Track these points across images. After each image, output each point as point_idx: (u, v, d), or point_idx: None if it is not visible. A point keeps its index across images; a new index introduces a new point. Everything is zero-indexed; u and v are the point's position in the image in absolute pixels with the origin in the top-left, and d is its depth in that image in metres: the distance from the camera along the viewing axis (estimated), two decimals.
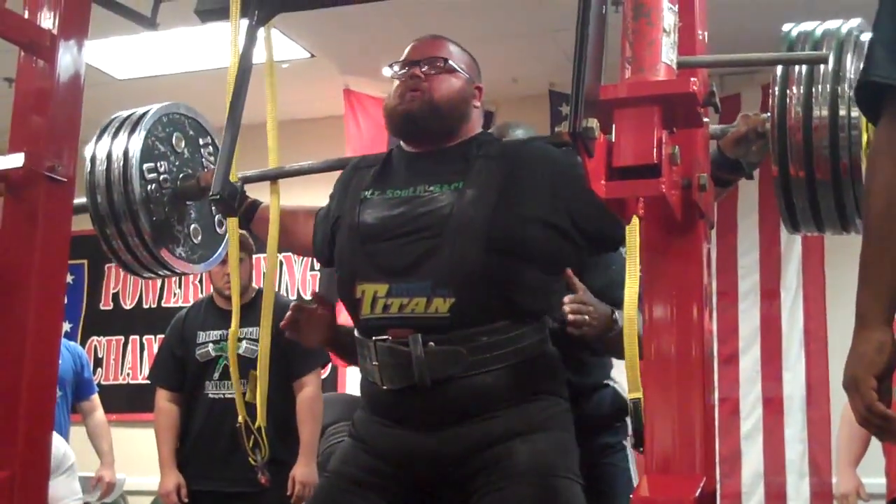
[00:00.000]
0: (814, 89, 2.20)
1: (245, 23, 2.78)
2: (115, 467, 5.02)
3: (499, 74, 5.99)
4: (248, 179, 2.85)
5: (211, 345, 4.08)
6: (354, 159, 2.68)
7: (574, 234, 2.33)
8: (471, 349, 2.25)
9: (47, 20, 2.43)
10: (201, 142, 3.08)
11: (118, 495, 5.44)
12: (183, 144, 3.01)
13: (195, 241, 3.01)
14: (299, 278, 6.30)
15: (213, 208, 3.00)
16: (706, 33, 2.04)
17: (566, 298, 2.34)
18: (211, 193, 2.63)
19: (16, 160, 2.30)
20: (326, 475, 2.47)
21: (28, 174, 2.30)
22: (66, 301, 2.52)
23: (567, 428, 2.35)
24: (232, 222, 2.78)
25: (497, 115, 6.28)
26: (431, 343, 2.24)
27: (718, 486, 5.89)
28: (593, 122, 1.64)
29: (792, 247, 5.55)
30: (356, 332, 2.41)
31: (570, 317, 2.32)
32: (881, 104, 1.65)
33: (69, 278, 6.22)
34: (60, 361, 2.86)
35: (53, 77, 2.40)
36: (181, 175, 2.96)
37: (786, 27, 2.33)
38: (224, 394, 4.02)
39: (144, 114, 2.91)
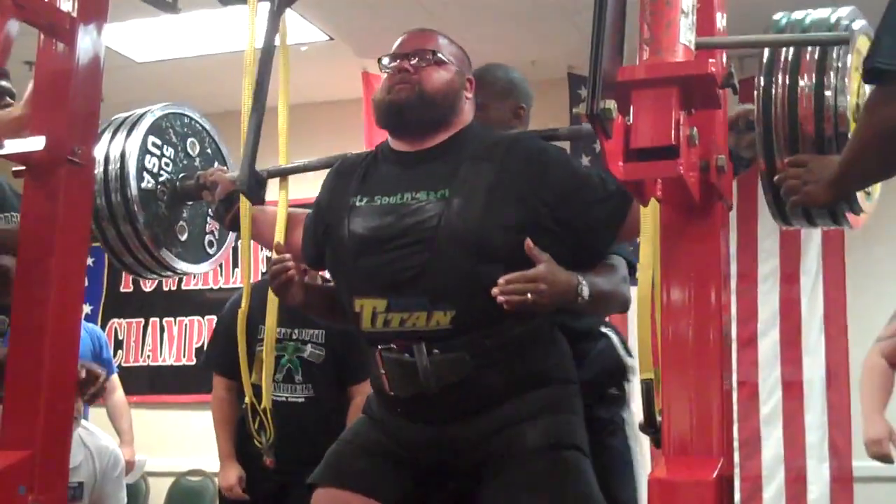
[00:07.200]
0: (799, 78, 2.12)
1: (265, 6, 2.78)
2: (137, 449, 5.05)
3: (517, 56, 5.93)
4: (268, 174, 2.83)
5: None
6: (336, 161, 2.64)
7: (563, 235, 2.31)
8: (475, 354, 2.26)
9: (67, 2, 2.43)
10: (200, 141, 3.09)
11: (139, 476, 5.47)
12: (182, 145, 3.02)
13: (183, 239, 3.01)
14: None
15: (211, 209, 2.97)
16: (725, 14, 2.04)
17: (500, 279, 2.19)
18: (238, 183, 2.65)
19: (37, 143, 2.32)
20: (337, 442, 2.48)
21: (49, 157, 2.31)
22: (86, 283, 2.53)
23: (575, 410, 2.37)
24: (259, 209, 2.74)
25: None
26: (436, 350, 2.26)
27: (738, 469, 5.87)
28: (611, 104, 1.65)
29: (812, 231, 5.52)
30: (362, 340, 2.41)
31: (500, 298, 2.17)
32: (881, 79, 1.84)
33: (89, 261, 6.24)
34: None
35: (73, 60, 2.40)
36: (181, 175, 2.98)
37: (776, 16, 2.27)
38: (287, 397, 3.84)
39: (143, 115, 2.93)
